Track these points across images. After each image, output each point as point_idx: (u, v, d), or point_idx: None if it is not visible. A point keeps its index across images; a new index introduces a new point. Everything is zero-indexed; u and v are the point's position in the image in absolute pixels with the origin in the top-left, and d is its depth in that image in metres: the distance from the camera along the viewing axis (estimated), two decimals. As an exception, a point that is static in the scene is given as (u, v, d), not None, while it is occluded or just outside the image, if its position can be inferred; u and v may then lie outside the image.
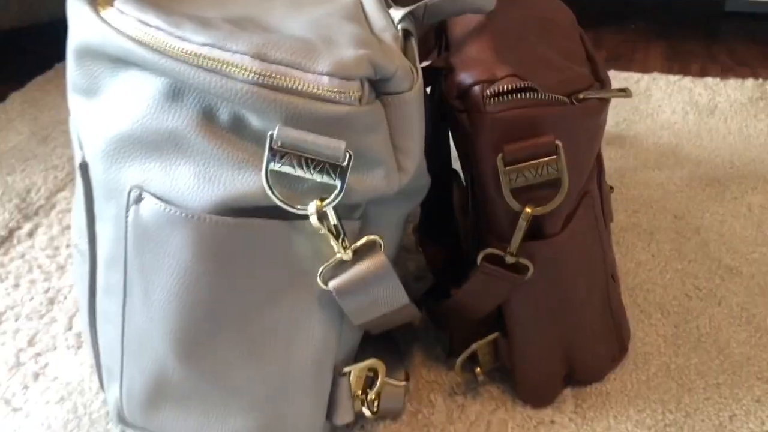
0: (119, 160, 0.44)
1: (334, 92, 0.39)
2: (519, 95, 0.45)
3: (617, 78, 1.11)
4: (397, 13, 0.50)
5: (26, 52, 1.32)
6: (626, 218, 0.78)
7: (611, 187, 0.65)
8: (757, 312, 0.65)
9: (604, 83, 0.53)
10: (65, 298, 0.70)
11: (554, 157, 0.45)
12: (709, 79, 1.08)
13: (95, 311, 0.52)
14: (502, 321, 0.54)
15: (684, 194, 0.81)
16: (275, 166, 0.40)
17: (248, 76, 0.39)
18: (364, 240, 0.45)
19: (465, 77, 0.46)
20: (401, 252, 0.75)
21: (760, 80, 1.08)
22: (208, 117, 0.42)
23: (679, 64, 1.21)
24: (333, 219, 0.43)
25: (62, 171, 0.91)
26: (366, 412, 0.52)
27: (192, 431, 0.50)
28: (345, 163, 0.40)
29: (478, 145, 0.46)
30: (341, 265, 0.45)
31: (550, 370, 0.55)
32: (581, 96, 0.48)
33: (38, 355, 0.63)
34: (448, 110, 0.48)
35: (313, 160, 0.41)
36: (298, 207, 0.42)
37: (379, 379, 0.52)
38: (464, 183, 0.53)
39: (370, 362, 0.51)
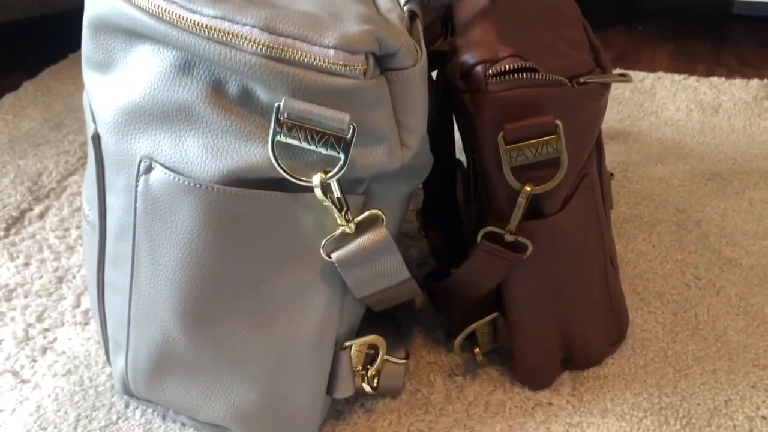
0: (130, 132, 0.45)
1: (340, 65, 0.40)
2: (521, 75, 0.46)
3: (623, 77, 1.12)
4: None
5: (40, 42, 1.34)
6: (628, 210, 0.78)
7: (611, 174, 0.66)
8: (755, 302, 0.65)
9: (605, 70, 0.54)
10: (74, 277, 0.71)
11: (554, 136, 0.46)
12: (715, 79, 1.09)
13: (103, 283, 0.53)
14: (501, 302, 0.54)
15: (686, 188, 0.82)
16: (281, 138, 0.42)
17: (257, 48, 0.40)
18: (366, 214, 0.46)
19: (468, 57, 0.47)
20: (404, 238, 0.76)
21: (765, 80, 1.09)
22: (217, 89, 0.43)
23: (685, 65, 1.22)
24: (337, 192, 0.44)
25: (74, 156, 0.93)
26: (366, 387, 0.53)
27: (195, 402, 0.51)
28: (349, 136, 0.42)
29: (480, 124, 0.47)
30: (344, 238, 0.46)
31: (548, 351, 0.56)
32: (582, 80, 0.49)
33: (46, 330, 0.64)
34: (451, 91, 0.49)
35: (318, 132, 0.42)
36: (303, 179, 0.43)
37: (380, 356, 0.53)
38: (467, 168, 0.54)
39: (371, 338, 0.52)
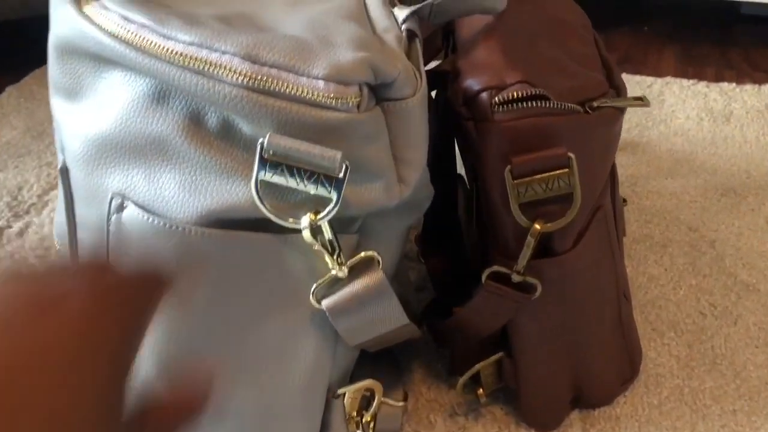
0: (101, 165, 0.41)
1: (330, 98, 0.36)
2: (529, 103, 0.42)
3: (629, 82, 1.08)
4: (401, 12, 0.47)
5: (25, 45, 1.29)
6: (638, 229, 0.74)
7: (624, 200, 0.62)
8: (776, 332, 0.61)
9: (619, 90, 0.50)
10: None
11: (566, 170, 0.42)
12: (725, 85, 1.05)
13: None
14: (506, 340, 0.51)
15: (698, 205, 0.78)
16: (266, 176, 0.38)
17: (237, 78, 0.36)
18: (361, 256, 0.42)
19: (472, 83, 0.43)
20: (402, 260, 0.72)
21: (778, 86, 1.05)
22: (195, 122, 0.39)
23: (693, 68, 1.18)
24: (328, 233, 0.40)
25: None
26: (361, 434, 0.50)
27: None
28: (341, 175, 0.38)
29: (485, 156, 0.43)
30: (336, 283, 0.43)
31: (556, 392, 0.52)
32: (595, 104, 0.45)
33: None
34: (453, 117, 0.45)
35: (306, 171, 0.38)
36: (290, 220, 0.39)
37: (376, 400, 0.49)
38: (470, 189, 0.50)
39: (366, 383, 0.48)
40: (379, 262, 0.43)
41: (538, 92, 0.42)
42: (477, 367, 0.52)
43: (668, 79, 1.08)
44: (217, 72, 0.36)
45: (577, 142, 0.43)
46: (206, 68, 0.36)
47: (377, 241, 0.45)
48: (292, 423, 0.45)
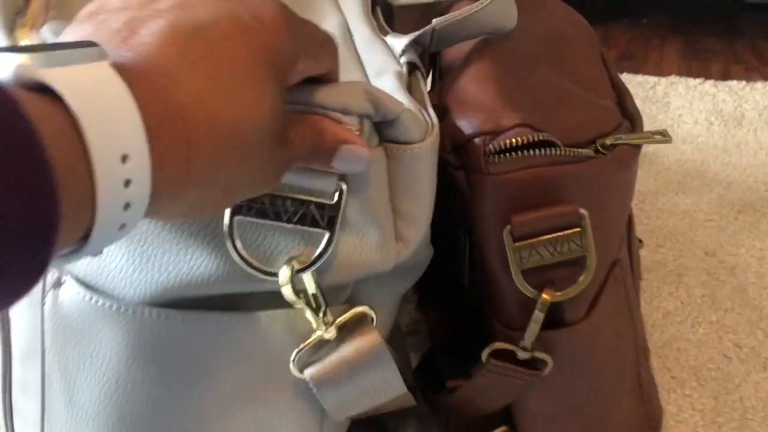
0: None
1: None
2: (531, 151, 0.34)
3: (631, 82, 1.00)
4: (398, 42, 0.40)
5: None
6: (650, 254, 0.68)
7: (640, 241, 0.55)
8: (811, 377, 0.55)
9: (634, 121, 0.43)
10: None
11: (577, 229, 0.35)
12: (734, 83, 0.98)
13: (11, 409, 0.42)
14: (510, 413, 0.44)
15: (714, 224, 0.71)
16: (242, 216, 0.31)
17: None
18: (351, 312, 0.35)
19: (462, 125, 0.36)
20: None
21: (790, 83, 0.98)
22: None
23: (697, 64, 1.11)
24: (311, 287, 0.33)
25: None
26: None
27: None
28: (335, 200, 0.31)
29: (479, 213, 0.36)
30: (322, 347, 0.36)
31: (569, 468, 0.45)
32: (608, 142, 0.38)
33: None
34: (439, 164, 0.38)
35: (294, 201, 0.31)
36: (270, 270, 0.32)
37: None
38: (463, 247, 0.43)
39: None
40: (373, 319, 0.36)
41: (541, 138, 0.34)
42: (477, 443, 0.45)
43: (672, 78, 1.01)
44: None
45: (589, 194, 0.35)
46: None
47: (370, 304, 0.38)
48: None
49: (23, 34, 0.36)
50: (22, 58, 0.20)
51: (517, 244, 0.35)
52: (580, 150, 0.36)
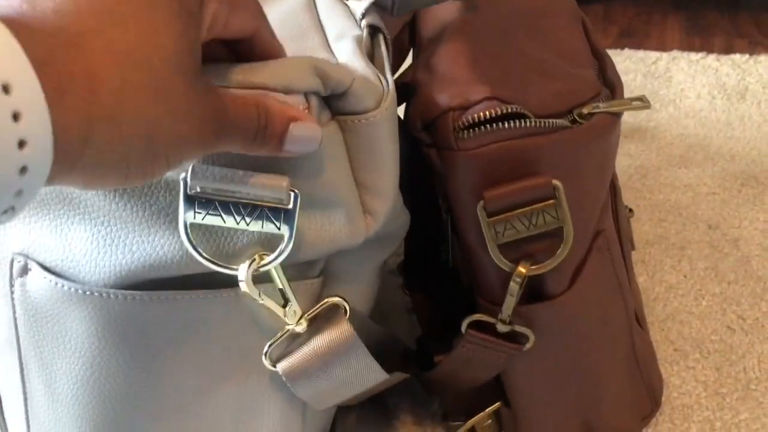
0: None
1: None
2: (501, 124, 0.34)
3: (632, 58, 0.99)
4: (359, 5, 0.40)
5: None
6: (652, 229, 0.67)
7: (630, 210, 0.54)
8: (816, 346, 0.54)
9: (613, 88, 0.42)
10: None
11: (552, 201, 0.34)
12: (737, 56, 0.96)
13: (1, 399, 0.43)
14: (503, 389, 0.44)
15: (717, 197, 0.70)
16: (195, 219, 0.31)
17: None
18: (322, 305, 0.35)
19: (431, 102, 0.36)
20: (385, 284, 0.64)
21: (795, 53, 0.96)
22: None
23: (700, 38, 1.09)
24: (279, 281, 0.33)
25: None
26: None
27: None
28: (291, 206, 0.31)
29: (454, 190, 0.36)
30: (294, 340, 0.36)
31: (565, 443, 0.45)
32: (585, 111, 0.38)
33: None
34: (414, 143, 0.38)
35: (246, 205, 0.31)
36: (234, 267, 0.32)
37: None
38: (444, 224, 0.43)
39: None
40: (346, 310, 0.36)
41: (510, 110, 0.34)
42: (472, 421, 0.45)
43: (674, 53, 0.99)
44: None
45: (564, 165, 0.35)
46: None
47: (346, 282, 0.38)
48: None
49: None
50: None
51: (491, 219, 0.35)
52: (555, 120, 0.36)
